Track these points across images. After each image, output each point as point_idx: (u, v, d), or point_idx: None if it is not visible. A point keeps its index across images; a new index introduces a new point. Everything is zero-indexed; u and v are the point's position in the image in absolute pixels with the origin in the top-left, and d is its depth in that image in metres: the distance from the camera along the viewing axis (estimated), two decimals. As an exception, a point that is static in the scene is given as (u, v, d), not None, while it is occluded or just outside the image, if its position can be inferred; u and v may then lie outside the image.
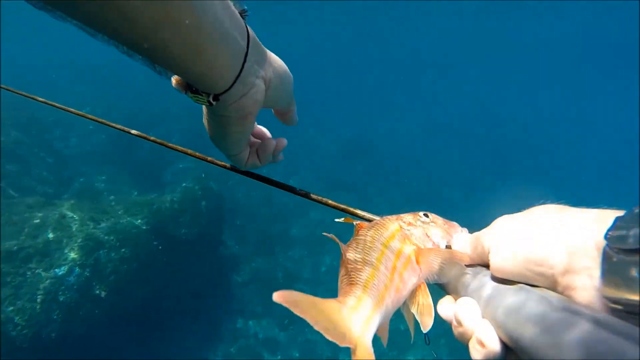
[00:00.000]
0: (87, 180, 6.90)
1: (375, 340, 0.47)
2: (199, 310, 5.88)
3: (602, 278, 0.38)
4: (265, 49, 0.68)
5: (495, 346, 0.46)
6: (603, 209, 0.43)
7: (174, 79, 0.64)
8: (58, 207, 4.91)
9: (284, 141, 0.83)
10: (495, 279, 0.50)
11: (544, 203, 0.50)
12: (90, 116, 0.95)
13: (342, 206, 0.73)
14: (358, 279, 0.51)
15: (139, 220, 5.10)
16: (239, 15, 0.60)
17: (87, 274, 4.26)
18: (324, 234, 0.61)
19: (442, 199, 10.78)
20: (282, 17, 17.55)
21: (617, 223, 0.37)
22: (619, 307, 0.36)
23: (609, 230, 0.38)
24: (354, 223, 0.62)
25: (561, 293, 0.43)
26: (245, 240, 7.61)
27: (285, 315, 6.63)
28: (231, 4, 0.58)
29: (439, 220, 0.64)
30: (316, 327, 0.40)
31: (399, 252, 0.57)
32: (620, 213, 0.39)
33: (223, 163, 0.84)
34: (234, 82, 0.60)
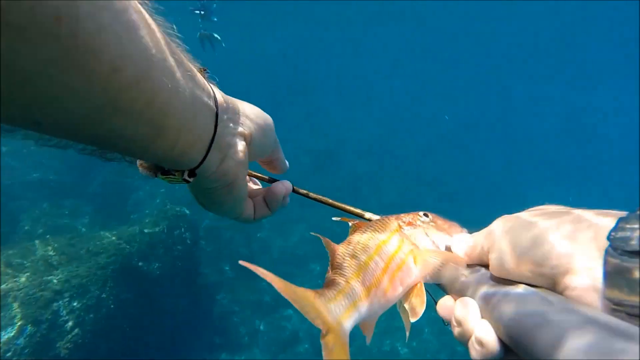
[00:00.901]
0: (38, 216, 6.12)
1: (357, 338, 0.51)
2: (179, 350, 5.28)
3: (604, 279, 0.37)
4: (236, 100, 0.64)
5: (494, 346, 0.45)
6: (604, 209, 0.42)
7: (138, 163, 0.59)
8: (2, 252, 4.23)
9: (288, 184, 0.75)
10: (495, 279, 0.50)
11: (543, 204, 0.51)
12: None
13: (342, 205, 0.71)
14: (343, 273, 0.52)
15: (104, 260, 4.49)
16: (199, 74, 0.55)
17: (43, 332, 3.62)
18: (312, 233, 0.60)
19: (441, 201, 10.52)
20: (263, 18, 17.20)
21: (620, 224, 0.37)
22: (621, 308, 0.36)
23: (611, 231, 0.37)
24: (351, 223, 0.62)
25: (561, 293, 0.42)
26: (223, 266, 7.05)
27: (275, 342, 6.15)
28: (189, 64, 0.52)
29: (439, 220, 0.63)
30: (295, 305, 0.43)
31: (395, 253, 0.57)
32: (622, 214, 0.39)
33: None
34: (208, 150, 0.56)
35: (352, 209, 0.71)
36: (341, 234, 0.64)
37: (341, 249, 0.56)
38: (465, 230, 0.62)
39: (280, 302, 6.70)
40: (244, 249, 7.50)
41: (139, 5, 0.43)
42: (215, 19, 10.40)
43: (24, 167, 7.07)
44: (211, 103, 0.55)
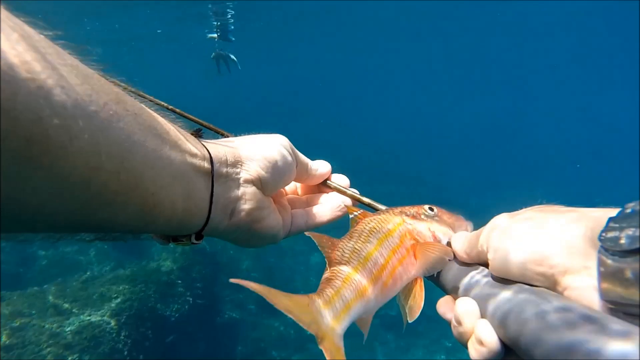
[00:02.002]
0: (52, 254, 5.84)
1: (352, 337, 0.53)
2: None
3: (599, 279, 0.37)
4: (236, 143, 0.64)
5: (494, 346, 0.45)
6: (603, 208, 0.42)
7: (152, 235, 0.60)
8: (7, 300, 3.91)
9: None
10: (495, 278, 0.50)
11: (542, 202, 0.50)
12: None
13: (349, 192, 0.71)
14: (339, 273, 0.52)
15: (119, 305, 4.12)
16: (190, 140, 0.55)
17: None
18: (306, 233, 0.59)
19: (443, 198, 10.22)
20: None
21: (610, 224, 0.37)
22: (618, 308, 0.36)
23: (602, 231, 0.37)
24: (352, 215, 0.62)
25: (561, 293, 0.42)
26: (245, 303, 6.62)
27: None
28: (176, 133, 0.52)
29: (445, 214, 0.63)
30: (289, 315, 0.44)
31: (397, 247, 0.57)
32: (614, 211, 0.38)
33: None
34: (209, 211, 0.56)
35: (359, 196, 0.70)
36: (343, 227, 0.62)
37: (341, 244, 0.56)
38: (470, 223, 0.62)
39: (305, 335, 6.23)
40: (267, 282, 7.07)
41: (123, 95, 0.45)
42: (233, 39, 10.11)
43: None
44: (205, 164, 0.55)
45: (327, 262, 0.55)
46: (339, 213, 0.73)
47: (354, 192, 0.73)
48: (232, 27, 10.31)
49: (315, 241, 0.56)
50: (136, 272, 4.77)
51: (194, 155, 0.54)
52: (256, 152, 0.63)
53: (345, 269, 0.53)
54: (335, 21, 12.64)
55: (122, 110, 0.42)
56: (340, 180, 0.76)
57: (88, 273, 5.30)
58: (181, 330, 4.72)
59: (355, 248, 0.55)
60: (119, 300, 4.19)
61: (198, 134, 0.61)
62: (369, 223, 0.59)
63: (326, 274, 0.54)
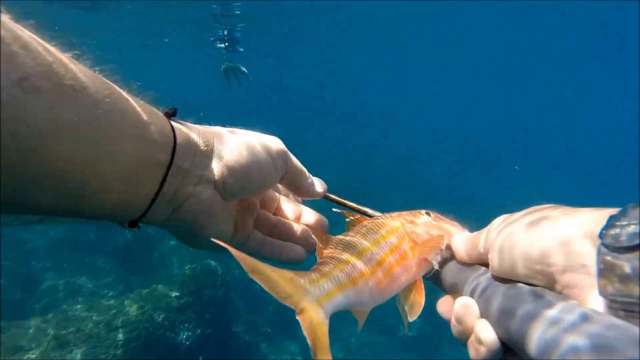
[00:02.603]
0: (57, 279, 5.58)
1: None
2: None
3: (598, 277, 0.37)
4: (217, 137, 0.57)
5: (494, 345, 0.45)
6: (600, 207, 0.42)
7: None
8: (6, 333, 3.64)
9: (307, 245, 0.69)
10: (494, 278, 0.50)
11: (541, 203, 0.50)
12: None
13: (345, 201, 0.69)
14: (332, 260, 0.51)
15: (125, 336, 3.84)
16: (160, 121, 0.51)
17: None
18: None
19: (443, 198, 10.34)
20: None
21: (611, 222, 0.37)
22: (617, 305, 0.36)
23: (602, 229, 0.38)
24: (349, 218, 0.61)
25: (560, 291, 0.42)
26: (259, 325, 6.29)
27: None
28: (141, 114, 0.48)
29: (441, 219, 0.63)
30: (263, 285, 0.44)
31: (394, 248, 0.57)
32: (615, 211, 0.39)
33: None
34: (151, 204, 0.51)
35: (353, 205, 0.68)
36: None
37: (335, 239, 0.56)
38: (466, 229, 0.61)
39: None
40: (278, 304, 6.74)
41: (72, 64, 0.42)
42: (242, 50, 9.63)
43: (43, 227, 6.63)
44: (162, 155, 0.50)
45: (317, 254, 0.54)
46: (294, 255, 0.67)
47: (351, 204, 0.70)
48: (239, 35, 9.84)
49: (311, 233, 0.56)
50: (144, 297, 4.48)
51: (152, 144, 0.49)
52: (230, 150, 0.56)
53: (339, 258, 0.52)
54: (345, 24, 12.57)
55: (71, 80, 0.40)
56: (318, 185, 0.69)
57: (94, 298, 5.03)
58: (193, 359, 4.41)
59: (351, 243, 0.55)
60: (125, 329, 3.90)
61: (173, 113, 0.54)
62: (366, 225, 0.59)
63: (319, 260, 0.52)
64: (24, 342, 3.54)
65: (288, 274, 0.46)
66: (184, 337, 4.42)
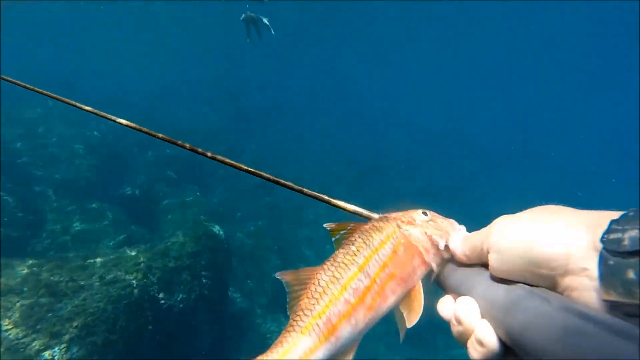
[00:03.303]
0: (60, 222, 5.53)
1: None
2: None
3: (600, 281, 0.37)
4: None
5: (493, 345, 0.45)
6: (601, 210, 0.42)
7: None
8: (15, 269, 3.56)
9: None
10: (495, 278, 0.49)
11: (543, 204, 0.50)
12: (101, 113, 0.81)
13: (340, 203, 0.67)
14: (300, 321, 0.51)
15: (118, 292, 3.74)
16: None
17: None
18: (276, 275, 0.57)
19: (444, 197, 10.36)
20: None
21: (612, 226, 0.37)
22: (618, 308, 0.36)
23: (604, 233, 0.38)
24: (336, 237, 0.60)
25: (561, 293, 0.42)
26: (255, 294, 6.22)
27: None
28: None
29: (438, 218, 0.62)
30: None
31: (387, 261, 0.55)
32: (616, 214, 0.39)
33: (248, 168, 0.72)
34: None
35: (348, 206, 0.66)
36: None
37: (318, 273, 0.55)
38: (463, 227, 0.61)
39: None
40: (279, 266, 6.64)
41: None
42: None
43: (56, 169, 6.56)
44: None
45: (287, 303, 0.54)
46: None
47: (343, 204, 0.67)
48: None
49: (282, 280, 0.55)
50: (142, 252, 4.37)
51: None
52: None
53: (307, 316, 0.51)
54: (352, 21, 11.93)
55: None
56: None
57: (91, 246, 4.96)
58: (184, 323, 4.33)
59: (334, 276, 0.54)
60: (118, 285, 3.80)
61: None
62: (359, 237, 0.58)
63: (293, 312, 0.53)
64: (15, 284, 3.46)
65: None
66: (178, 299, 4.32)
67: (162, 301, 4.16)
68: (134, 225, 6.09)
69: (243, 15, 7.39)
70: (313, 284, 0.54)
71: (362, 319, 0.53)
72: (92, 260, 4.15)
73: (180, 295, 4.38)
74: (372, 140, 13.80)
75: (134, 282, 3.92)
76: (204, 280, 4.75)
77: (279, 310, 6.19)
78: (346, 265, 0.54)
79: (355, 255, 0.55)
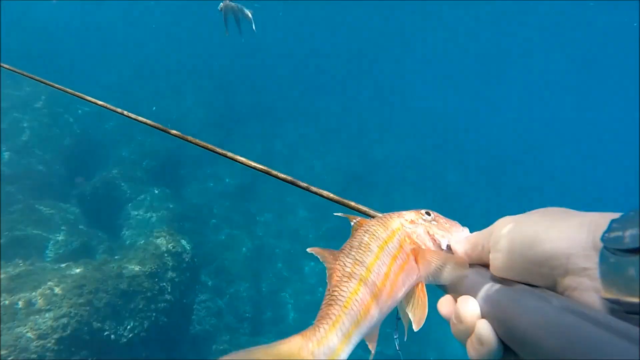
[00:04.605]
0: (6, 218, 4.79)
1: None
2: None
3: (601, 279, 0.38)
4: None
5: (493, 345, 0.45)
6: (602, 212, 0.43)
7: None
8: None
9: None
10: (495, 278, 0.49)
11: (544, 206, 0.51)
12: (109, 106, 0.78)
13: (345, 201, 0.69)
14: (339, 297, 0.51)
15: (49, 322, 3.09)
16: None
17: None
18: (308, 249, 0.57)
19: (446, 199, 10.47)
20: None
21: (613, 225, 0.38)
22: (619, 307, 0.36)
23: (605, 232, 0.38)
24: (352, 222, 0.61)
25: (561, 293, 0.42)
26: (226, 311, 5.60)
27: None
28: None
29: (441, 218, 0.63)
30: None
31: (397, 254, 0.56)
32: (617, 216, 0.39)
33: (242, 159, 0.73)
34: None
35: (355, 205, 0.68)
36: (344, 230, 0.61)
37: (342, 255, 0.55)
38: (466, 229, 0.61)
39: None
40: (253, 286, 6.02)
41: None
42: None
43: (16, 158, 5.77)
44: None
45: (327, 279, 0.54)
46: None
47: (347, 201, 0.69)
48: None
49: (318, 257, 0.56)
50: (89, 273, 3.71)
51: None
52: None
53: (345, 291, 0.51)
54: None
55: None
56: None
57: (33, 257, 4.26)
58: (131, 357, 3.70)
59: (357, 259, 0.54)
60: (51, 314, 3.15)
61: None
62: (367, 230, 0.58)
63: (326, 297, 0.52)
64: None
65: (295, 343, 0.45)
66: (127, 328, 3.69)
67: (106, 332, 3.52)
68: (92, 228, 5.40)
69: (221, 4, 6.35)
70: (340, 264, 0.54)
71: (384, 303, 0.53)
72: (28, 278, 3.49)
73: (131, 324, 3.75)
74: (371, 140, 13.47)
75: (72, 310, 3.27)
76: (161, 305, 4.12)
77: (256, 335, 5.61)
78: (364, 252, 0.55)
79: (370, 244, 0.56)
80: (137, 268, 4.09)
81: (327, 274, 0.54)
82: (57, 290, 3.39)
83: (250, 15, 6.42)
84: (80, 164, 6.40)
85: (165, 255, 4.41)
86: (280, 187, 8.23)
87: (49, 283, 3.44)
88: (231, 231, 6.83)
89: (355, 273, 0.53)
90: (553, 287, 0.43)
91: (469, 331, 0.48)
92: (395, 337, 0.58)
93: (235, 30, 6.61)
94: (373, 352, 0.52)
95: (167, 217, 5.67)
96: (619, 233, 0.36)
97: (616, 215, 0.39)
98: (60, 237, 4.79)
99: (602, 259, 0.38)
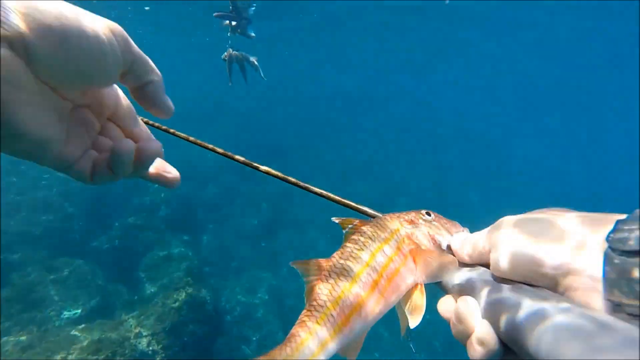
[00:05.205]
0: (19, 281, 4.65)
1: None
2: None
3: (604, 280, 0.37)
4: None
5: (493, 346, 0.44)
6: (605, 212, 0.42)
7: None
8: None
9: (155, 145, 0.51)
10: (496, 278, 0.49)
11: (546, 206, 0.50)
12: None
13: (345, 201, 0.67)
14: (315, 312, 0.51)
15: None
16: None
17: None
18: (291, 263, 0.55)
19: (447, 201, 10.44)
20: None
21: (619, 226, 0.37)
22: (621, 309, 0.36)
23: (610, 232, 0.38)
24: (345, 230, 0.60)
25: (562, 293, 0.42)
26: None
27: None
28: None
29: (441, 219, 0.63)
30: None
31: (393, 256, 0.56)
32: (622, 217, 0.39)
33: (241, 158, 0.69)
34: None
35: (354, 205, 0.66)
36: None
37: (328, 265, 0.55)
38: (466, 229, 0.61)
39: None
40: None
41: None
42: (254, 34, 7.05)
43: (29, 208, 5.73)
44: None
45: (305, 294, 0.53)
46: (167, 175, 0.58)
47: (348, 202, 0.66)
48: (254, 9, 7.06)
49: (299, 271, 0.54)
50: (106, 334, 3.49)
51: None
52: (43, 3, 0.37)
53: (322, 307, 0.51)
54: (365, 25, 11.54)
55: None
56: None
57: (45, 320, 4.07)
58: None
59: (344, 269, 0.54)
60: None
61: None
62: (364, 232, 0.58)
63: (308, 303, 0.52)
64: None
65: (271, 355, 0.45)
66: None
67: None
68: (110, 282, 5.22)
69: (225, 53, 6.20)
70: (324, 275, 0.53)
71: (370, 311, 0.52)
72: (37, 343, 3.28)
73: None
74: (378, 141, 13.53)
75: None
76: (184, 363, 3.84)
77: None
78: (354, 259, 0.54)
79: (362, 250, 0.55)
80: (156, 324, 3.85)
81: (306, 289, 0.53)
82: (71, 358, 3.16)
83: (256, 62, 6.26)
84: (98, 215, 6.32)
85: (185, 307, 4.16)
86: (298, 227, 8.05)
87: (62, 353, 3.22)
88: (255, 273, 6.57)
89: (338, 285, 0.52)
90: (554, 287, 0.42)
91: (469, 332, 0.47)
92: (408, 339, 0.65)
93: (240, 79, 6.46)
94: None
95: (187, 266, 5.46)
96: (625, 234, 0.36)
97: (622, 216, 0.38)
98: (77, 296, 4.61)
99: (606, 260, 0.37)
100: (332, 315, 0.50)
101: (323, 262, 0.55)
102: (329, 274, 0.53)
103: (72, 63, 0.40)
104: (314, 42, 16.85)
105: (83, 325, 3.72)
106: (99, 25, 0.41)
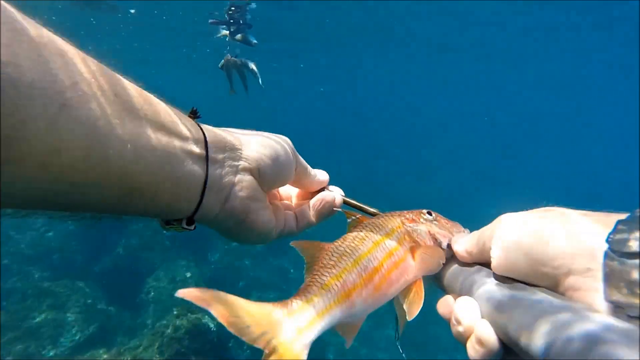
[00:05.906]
0: (16, 300, 4.45)
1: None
2: None
3: (604, 281, 0.37)
4: (237, 134, 0.60)
5: (493, 346, 0.44)
6: (606, 212, 0.42)
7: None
8: None
9: (330, 194, 0.69)
10: (496, 277, 0.49)
11: (547, 205, 0.49)
12: None
13: (346, 199, 0.70)
14: (320, 279, 0.50)
15: None
16: (187, 120, 0.54)
17: None
18: (291, 243, 0.56)
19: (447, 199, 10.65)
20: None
21: (619, 226, 0.37)
22: (621, 309, 0.35)
23: (610, 233, 0.37)
24: (350, 220, 0.61)
25: (563, 293, 0.41)
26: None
27: None
28: (167, 114, 0.50)
29: (442, 219, 0.63)
30: (229, 328, 0.39)
31: (394, 250, 0.56)
32: (623, 216, 0.38)
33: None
34: (202, 195, 0.53)
35: (355, 202, 0.69)
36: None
37: (332, 246, 0.55)
38: (467, 230, 0.61)
39: None
40: None
41: (102, 75, 0.42)
42: (255, 41, 6.56)
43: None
44: (197, 149, 0.53)
45: (305, 271, 0.53)
46: (324, 210, 0.68)
47: (354, 201, 0.70)
48: (253, 5, 6.39)
49: (297, 249, 0.55)
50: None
51: (185, 139, 0.51)
52: (258, 143, 0.59)
53: (326, 275, 0.51)
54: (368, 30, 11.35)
55: (91, 92, 0.40)
56: (336, 191, 0.72)
57: (45, 342, 3.85)
58: None
59: (347, 251, 0.54)
60: None
61: (195, 115, 0.57)
62: (366, 225, 0.59)
63: (307, 280, 0.51)
64: None
65: (266, 307, 0.44)
66: None
67: None
68: (111, 306, 4.99)
69: (222, 61, 5.78)
70: (327, 254, 0.54)
71: (370, 296, 0.52)
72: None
73: None
74: (380, 140, 13.53)
75: None
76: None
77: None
78: (356, 245, 0.54)
79: (364, 239, 0.55)
80: (156, 357, 3.59)
81: (306, 267, 0.53)
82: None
83: (255, 68, 5.76)
84: (99, 236, 6.13)
85: (187, 337, 3.90)
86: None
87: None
88: (261, 294, 6.29)
89: (339, 263, 0.52)
90: (555, 287, 0.42)
91: (469, 332, 0.46)
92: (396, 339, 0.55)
93: (239, 84, 6.11)
94: (348, 346, 0.52)
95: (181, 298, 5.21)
96: (625, 235, 0.35)
97: (622, 215, 0.38)
98: (77, 322, 4.39)
99: (606, 261, 0.37)
100: (336, 284, 0.49)
101: (325, 244, 0.55)
102: (332, 254, 0.53)
103: (280, 176, 0.62)
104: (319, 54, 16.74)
105: (79, 358, 3.48)
106: (284, 141, 0.62)
